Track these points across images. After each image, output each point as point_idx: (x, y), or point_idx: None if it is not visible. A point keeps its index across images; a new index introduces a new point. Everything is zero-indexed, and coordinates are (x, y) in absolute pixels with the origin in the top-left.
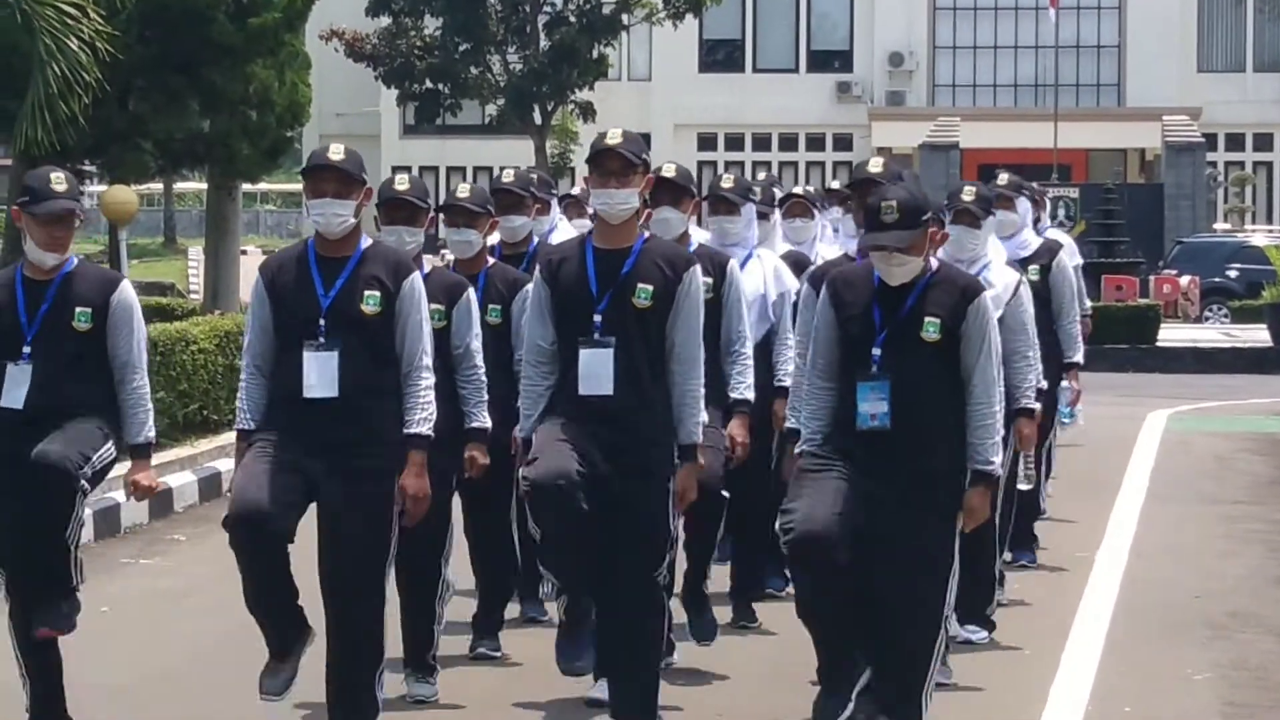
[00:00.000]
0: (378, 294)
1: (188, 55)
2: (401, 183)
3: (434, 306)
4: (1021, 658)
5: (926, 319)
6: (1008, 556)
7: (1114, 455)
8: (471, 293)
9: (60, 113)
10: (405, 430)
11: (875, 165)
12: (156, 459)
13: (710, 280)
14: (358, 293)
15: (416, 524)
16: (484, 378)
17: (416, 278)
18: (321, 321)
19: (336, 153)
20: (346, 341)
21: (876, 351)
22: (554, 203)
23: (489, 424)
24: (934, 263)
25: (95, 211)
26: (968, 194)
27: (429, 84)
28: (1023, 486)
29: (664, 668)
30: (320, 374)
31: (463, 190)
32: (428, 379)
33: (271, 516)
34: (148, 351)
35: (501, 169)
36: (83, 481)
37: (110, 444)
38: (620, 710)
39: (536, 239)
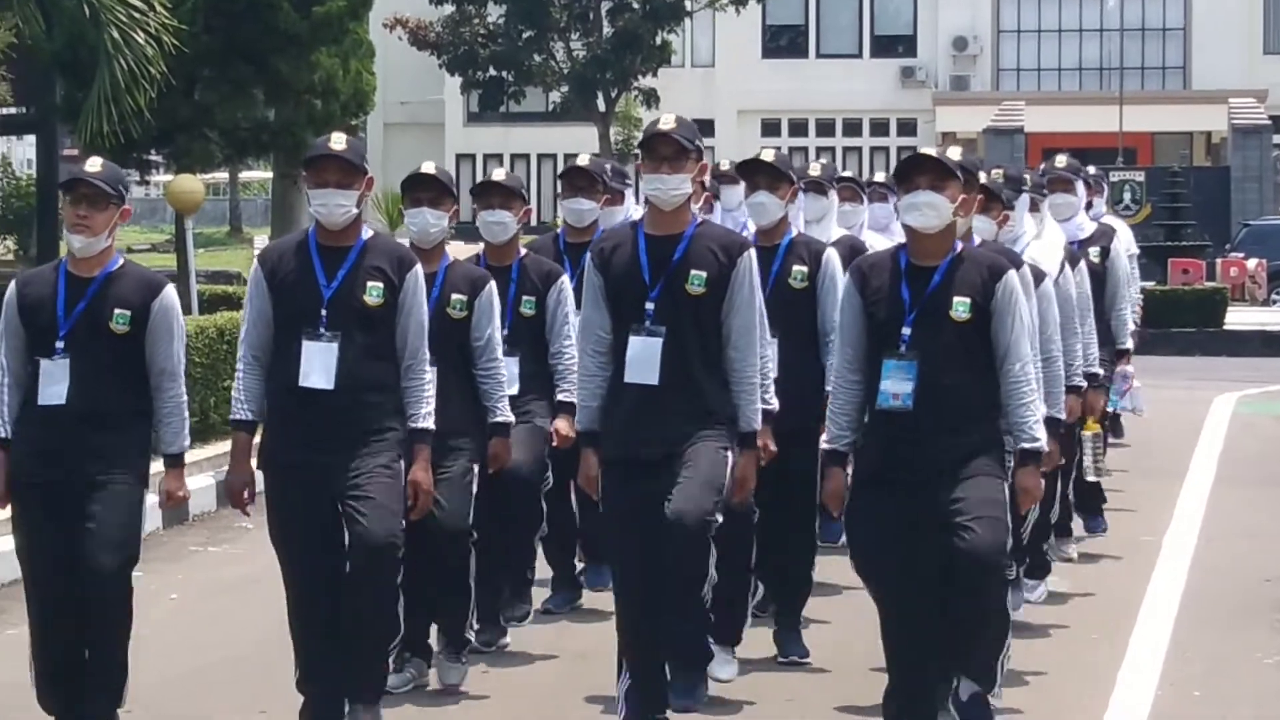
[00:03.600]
0: (381, 285)
1: (253, 44)
2: (428, 166)
3: (456, 296)
4: (1090, 642)
5: (956, 299)
6: (1082, 533)
7: (1181, 439)
8: (494, 285)
9: (126, 105)
10: (411, 424)
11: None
12: (223, 446)
13: (806, 268)
14: (360, 284)
15: (441, 521)
16: (504, 371)
17: (419, 270)
18: (323, 312)
19: (338, 142)
20: (347, 333)
21: (906, 330)
22: (629, 194)
23: (511, 418)
24: (959, 244)
25: (161, 201)
26: (996, 173)
27: (492, 71)
28: (1090, 479)
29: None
30: (317, 364)
31: (498, 172)
32: (430, 372)
33: (321, 576)
34: (216, 340)
35: (568, 156)
36: (131, 583)
37: (143, 501)
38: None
39: (603, 229)
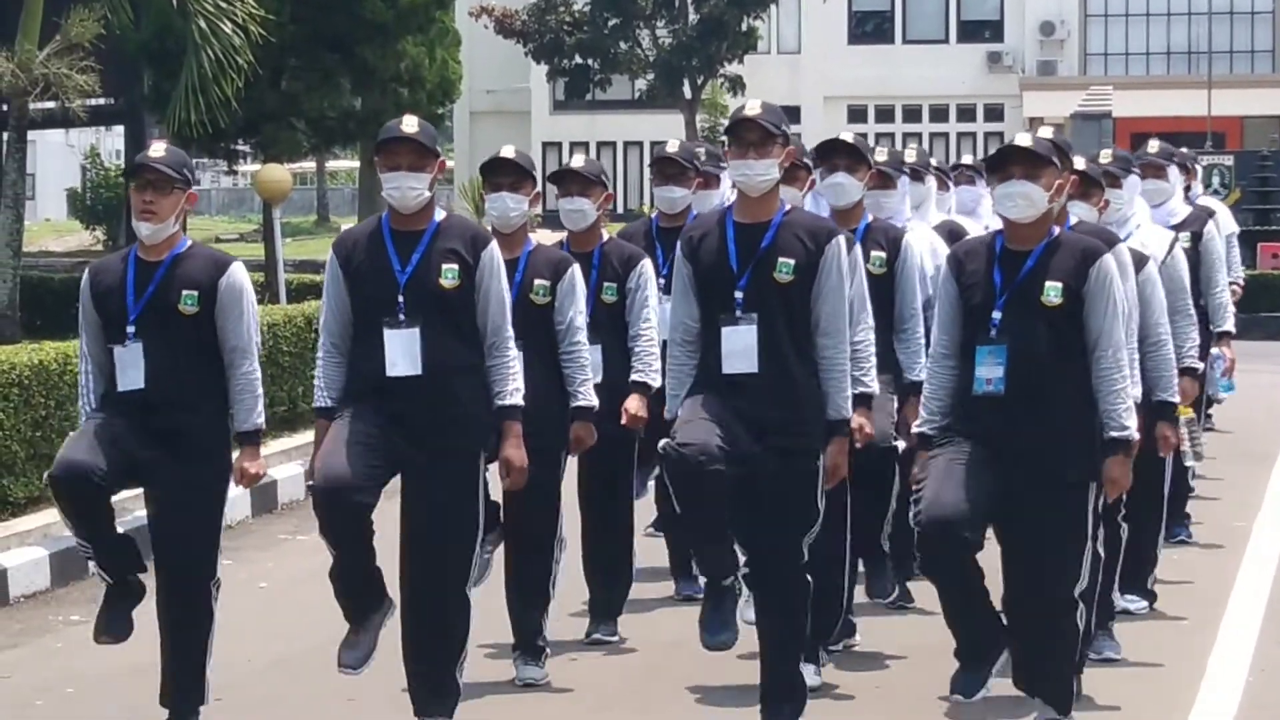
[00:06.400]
0: (456, 267)
1: (340, 34)
2: (507, 150)
3: (539, 282)
4: (1181, 628)
5: (1048, 283)
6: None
7: (1272, 424)
8: (577, 269)
9: (214, 95)
10: (498, 402)
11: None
12: (311, 435)
13: (884, 254)
14: (435, 267)
15: (527, 508)
16: (587, 355)
17: (494, 248)
18: (400, 298)
19: (410, 125)
20: (426, 317)
21: (996, 315)
22: (724, 177)
23: (594, 402)
24: (1055, 230)
25: (249, 191)
26: (1105, 156)
27: (578, 59)
28: (1189, 463)
29: (843, 649)
30: (402, 352)
31: (577, 160)
32: (514, 350)
33: (354, 488)
34: (304, 329)
35: (654, 143)
36: (215, 587)
37: (226, 487)
38: (767, 694)
39: (695, 213)
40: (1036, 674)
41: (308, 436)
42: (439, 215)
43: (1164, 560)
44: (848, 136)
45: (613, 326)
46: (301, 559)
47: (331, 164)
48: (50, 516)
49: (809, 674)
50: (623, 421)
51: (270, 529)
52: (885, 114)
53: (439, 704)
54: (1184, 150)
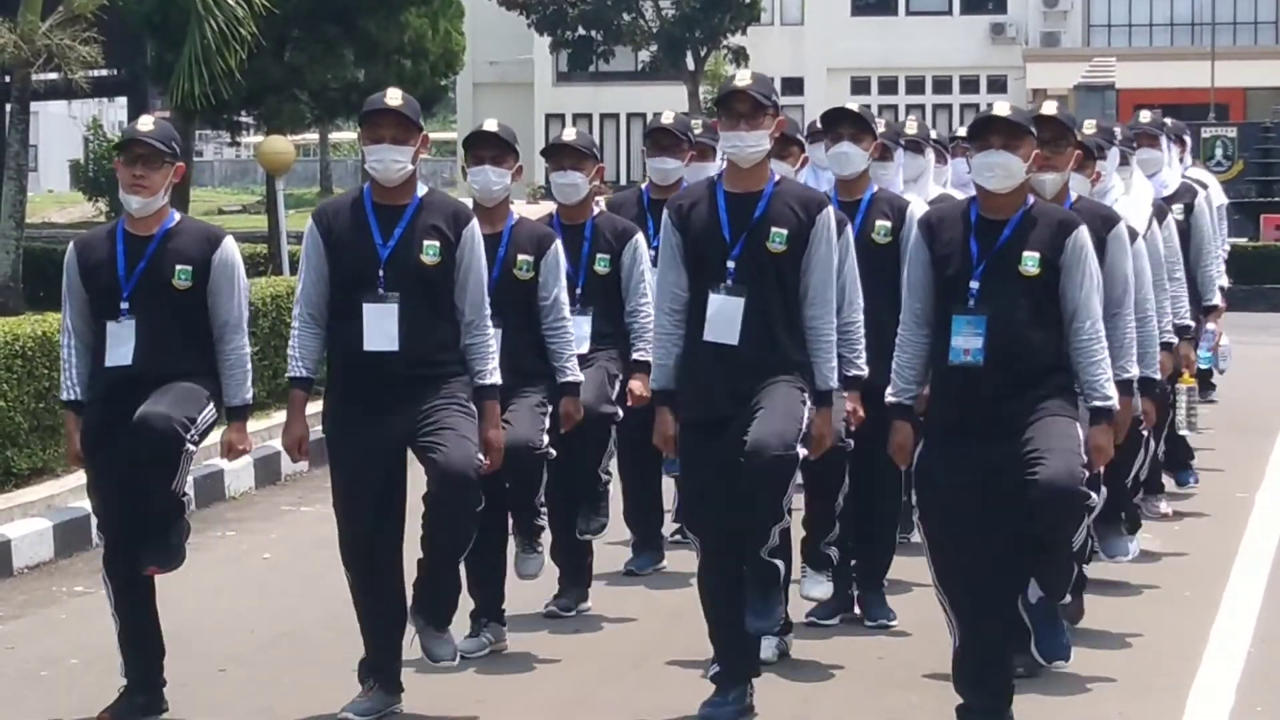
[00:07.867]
0: (437, 244)
1: (343, 5)
2: (490, 123)
3: (522, 257)
4: (1183, 600)
5: (1025, 253)
6: (1174, 489)
7: (1274, 396)
8: (560, 244)
9: (217, 66)
10: (477, 382)
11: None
12: (316, 406)
13: (889, 223)
14: (416, 242)
15: (511, 484)
16: (571, 331)
17: (475, 225)
18: (380, 273)
19: (394, 98)
20: (406, 293)
21: (974, 285)
22: (719, 149)
23: (580, 377)
24: (1030, 198)
25: (253, 163)
26: (1088, 128)
27: (581, 31)
28: (1183, 432)
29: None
30: (380, 327)
31: (569, 133)
32: (492, 329)
33: (378, 540)
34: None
35: (657, 115)
36: (188, 445)
37: (211, 405)
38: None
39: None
40: (1036, 560)
41: (313, 407)
42: (421, 190)
43: (1165, 533)
44: (853, 106)
45: (603, 298)
46: (305, 530)
47: (334, 135)
48: (53, 488)
49: (818, 587)
50: (629, 403)
51: (273, 500)
52: (889, 86)
53: (435, 613)
54: (1176, 121)
